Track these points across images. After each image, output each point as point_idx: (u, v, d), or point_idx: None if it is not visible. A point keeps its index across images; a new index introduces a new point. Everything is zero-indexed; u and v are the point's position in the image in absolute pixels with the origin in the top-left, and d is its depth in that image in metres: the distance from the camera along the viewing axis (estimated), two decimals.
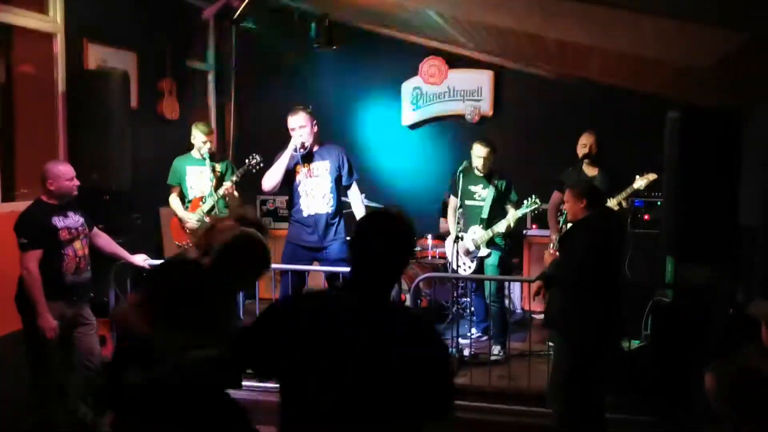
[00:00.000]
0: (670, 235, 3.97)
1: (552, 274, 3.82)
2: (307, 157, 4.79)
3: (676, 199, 3.89)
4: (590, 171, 5.08)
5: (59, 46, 5.08)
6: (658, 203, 5.35)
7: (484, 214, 5.13)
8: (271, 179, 4.78)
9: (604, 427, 3.74)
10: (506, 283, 5.40)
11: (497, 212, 5.15)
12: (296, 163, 4.78)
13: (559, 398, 3.71)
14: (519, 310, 6.17)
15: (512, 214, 5.06)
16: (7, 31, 4.81)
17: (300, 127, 4.70)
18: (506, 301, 5.52)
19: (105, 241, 4.43)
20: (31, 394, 4.14)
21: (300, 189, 4.80)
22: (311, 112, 4.78)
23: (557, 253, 4.08)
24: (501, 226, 5.05)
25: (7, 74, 4.94)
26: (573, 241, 3.72)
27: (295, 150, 4.72)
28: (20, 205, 4.19)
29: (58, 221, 4.03)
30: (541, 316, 5.26)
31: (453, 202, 5.35)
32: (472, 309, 5.57)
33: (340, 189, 4.91)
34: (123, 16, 5.79)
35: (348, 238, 4.86)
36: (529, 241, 6.17)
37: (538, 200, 4.98)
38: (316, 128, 4.79)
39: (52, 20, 5.04)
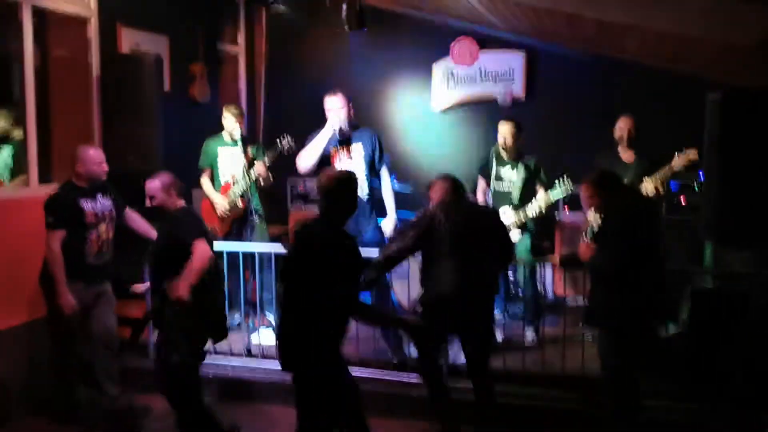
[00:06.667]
0: (710, 220, 3.87)
1: (588, 265, 3.77)
2: (345, 140, 4.77)
3: (716, 182, 3.78)
4: (625, 155, 4.98)
5: (93, 30, 5.12)
6: (695, 187, 5.23)
7: (515, 199, 5.05)
8: (308, 159, 4.73)
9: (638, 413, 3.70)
10: (537, 267, 5.33)
11: (528, 194, 5.07)
12: (333, 146, 4.76)
13: (610, 390, 3.69)
14: (551, 295, 6.09)
15: (542, 196, 4.97)
16: (42, 16, 4.86)
17: (338, 108, 4.68)
18: (539, 286, 5.45)
19: (137, 223, 4.55)
20: (55, 374, 4.25)
21: None
22: (347, 95, 4.76)
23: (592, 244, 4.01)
24: (532, 210, 4.97)
25: (42, 59, 5.00)
26: (605, 232, 3.68)
27: (334, 130, 4.70)
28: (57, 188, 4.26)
29: (86, 204, 4.12)
30: (574, 301, 5.27)
31: (482, 184, 5.29)
32: None
33: (372, 173, 4.88)
34: (155, 0, 5.81)
35: (381, 223, 4.85)
36: (561, 224, 6.09)
37: (569, 183, 4.89)
38: (352, 112, 4.77)
39: (86, 5, 5.07)
